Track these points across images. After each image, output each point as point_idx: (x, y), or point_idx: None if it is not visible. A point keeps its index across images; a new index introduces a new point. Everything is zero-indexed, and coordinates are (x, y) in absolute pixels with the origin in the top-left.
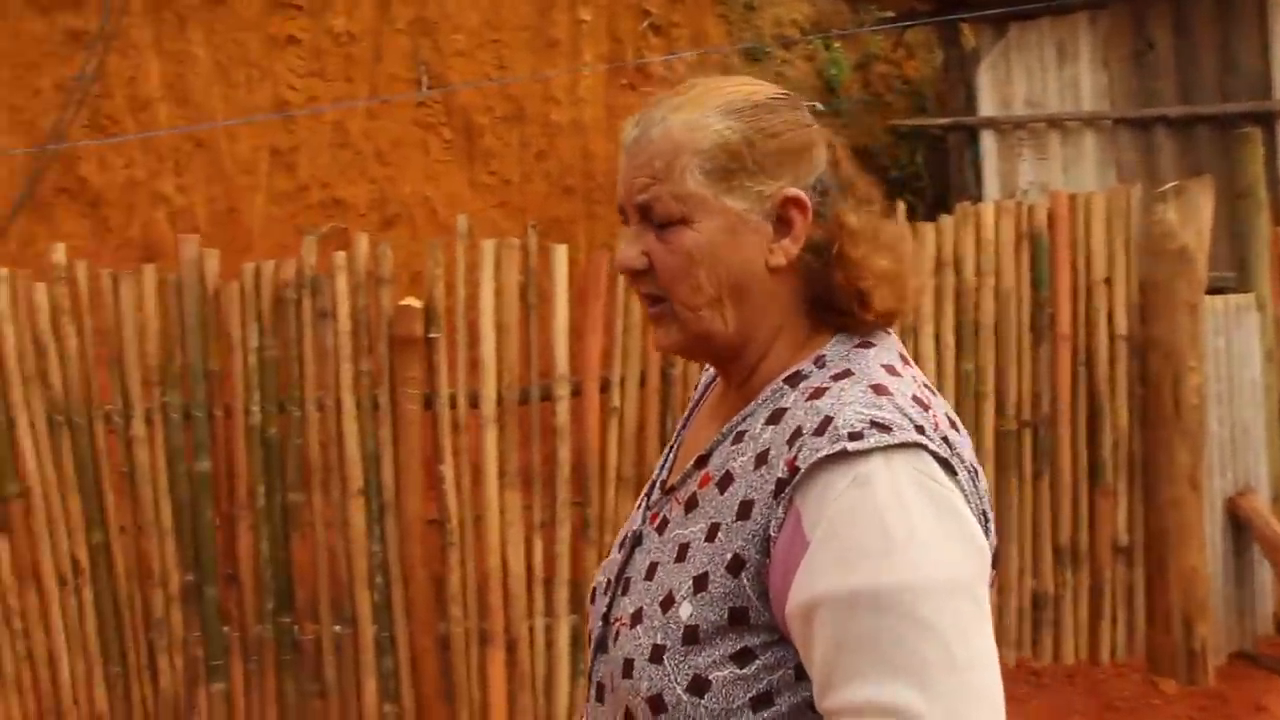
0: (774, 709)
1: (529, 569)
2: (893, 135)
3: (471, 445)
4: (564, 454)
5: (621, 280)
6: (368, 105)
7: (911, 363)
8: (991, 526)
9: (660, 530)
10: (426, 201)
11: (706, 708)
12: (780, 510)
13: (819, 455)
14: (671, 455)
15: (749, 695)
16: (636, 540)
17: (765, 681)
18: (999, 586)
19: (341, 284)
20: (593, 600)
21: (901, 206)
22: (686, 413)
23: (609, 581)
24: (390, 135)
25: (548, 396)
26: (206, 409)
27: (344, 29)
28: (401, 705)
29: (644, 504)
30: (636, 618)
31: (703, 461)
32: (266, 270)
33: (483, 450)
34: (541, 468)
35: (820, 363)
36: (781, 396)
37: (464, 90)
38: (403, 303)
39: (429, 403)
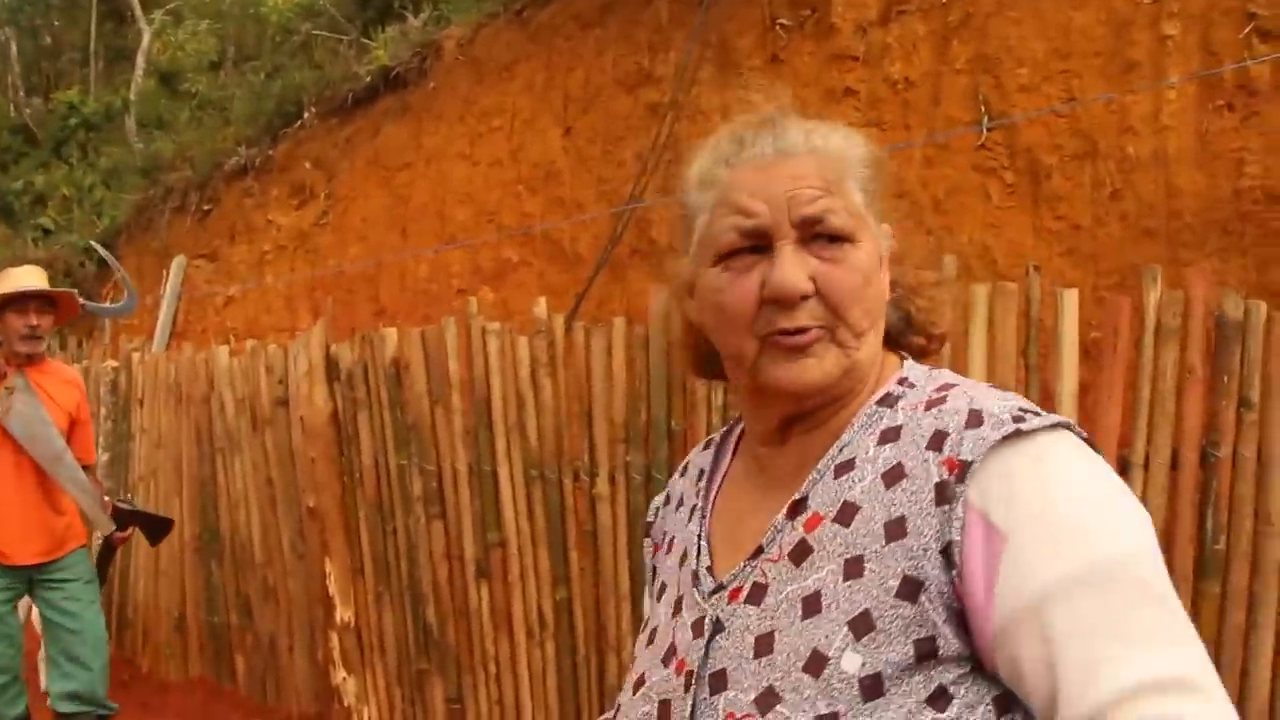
0: None
1: None
2: None
3: None
4: None
5: (1150, 338)
6: (924, 153)
7: None
8: None
9: (755, 599)
10: (986, 252)
11: None
12: (959, 510)
13: (990, 441)
14: (699, 543)
15: None
16: (716, 627)
17: None
18: None
19: None
20: None
21: None
22: (691, 504)
23: (663, 704)
24: (948, 182)
25: None
26: (667, 471)
27: (901, 75)
28: None
29: (692, 596)
30: (768, 701)
31: (799, 507)
32: None
33: None
34: None
35: (906, 383)
36: (880, 419)
37: (1029, 129)
38: None
39: None
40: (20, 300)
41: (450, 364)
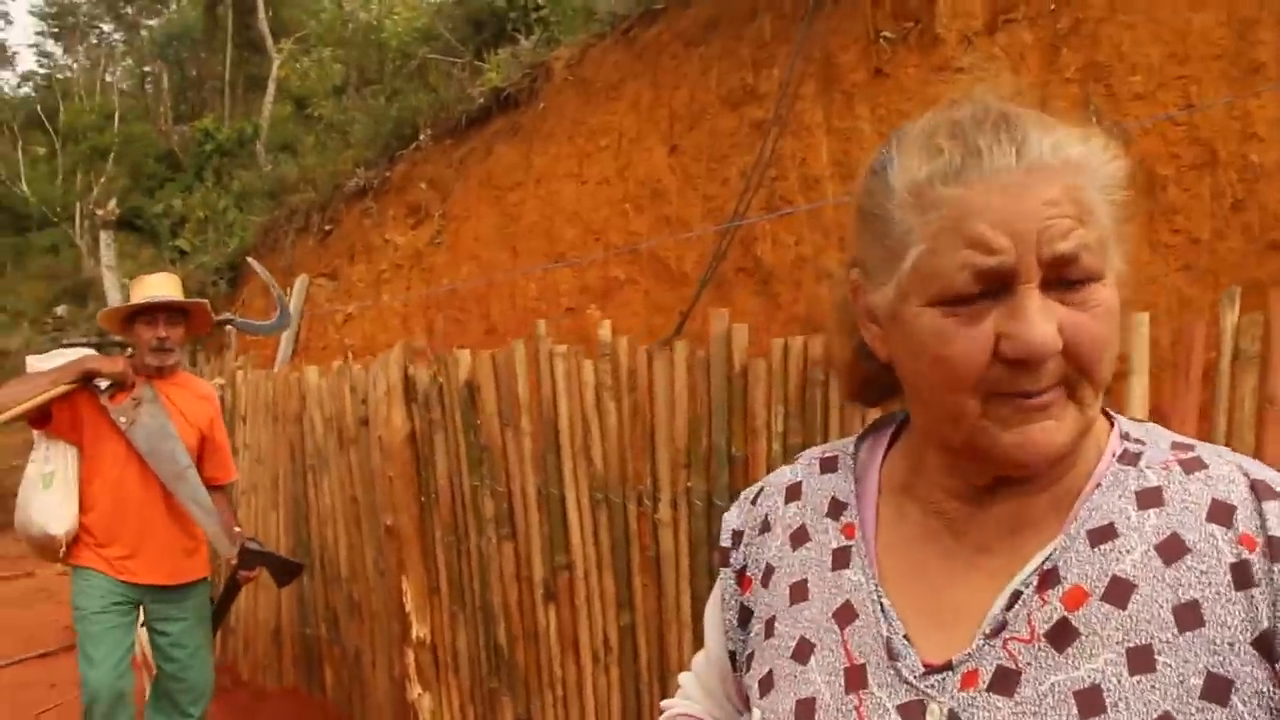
0: None
1: None
2: None
3: None
4: None
5: (1226, 364)
6: None
7: None
8: None
9: (1004, 689)
10: None
11: None
12: (1267, 594)
13: None
14: (881, 603)
15: None
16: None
17: None
18: None
19: None
20: None
21: None
22: (835, 543)
23: None
24: None
25: None
26: (728, 497)
27: (1009, 86)
28: None
29: (889, 675)
30: None
31: (1050, 578)
32: (795, 346)
33: None
34: None
35: (1131, 439)
36: (1127, 478)
37: (1144, 138)
38: None
39: None
40: (150, 311)
41: (519, 387)
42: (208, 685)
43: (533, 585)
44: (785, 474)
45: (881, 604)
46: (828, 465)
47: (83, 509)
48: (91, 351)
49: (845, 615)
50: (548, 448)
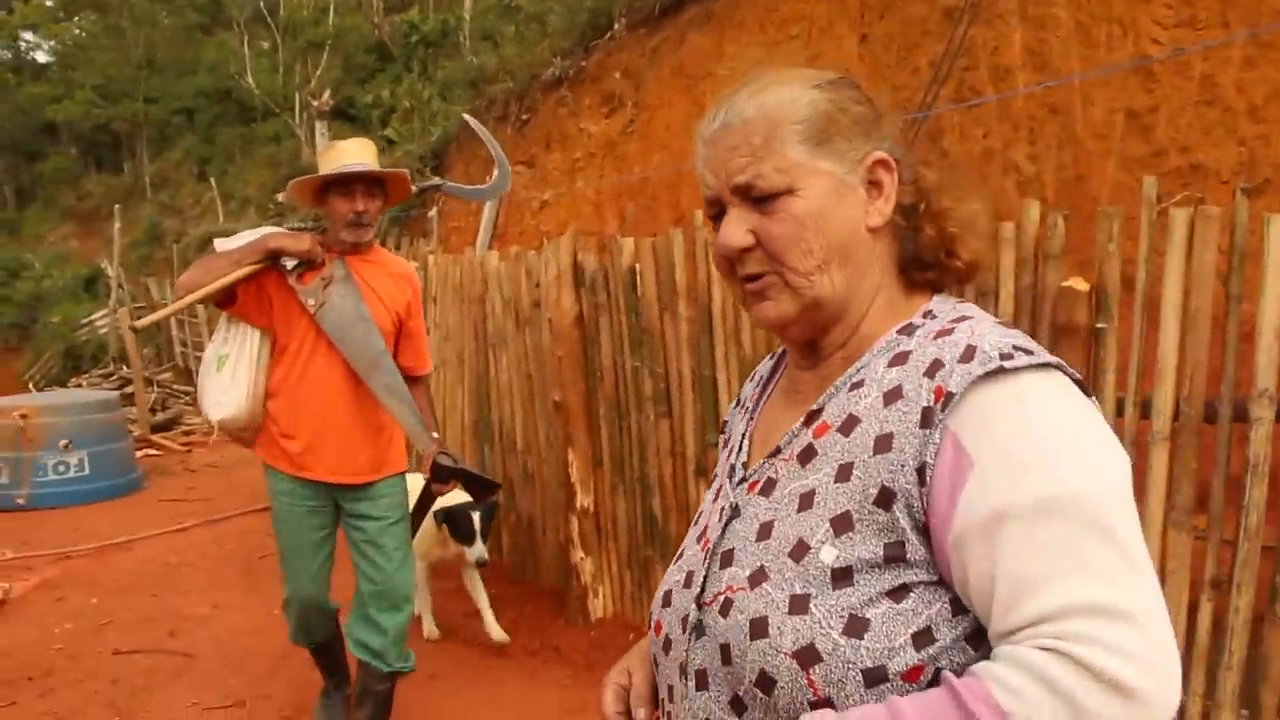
0: (936, 645)
1: (1190, 637)
2: None
3: (1137, 465)
4: (1255, 495)
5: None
6: (1244, 52)
7: None
8: None
9: (766, 492)
10: None
11: (867, 649)
12: (936, 436)
13: (974, 376)
14: (744, 442)
15: (910, 631)
16: (734, 512)
17: (924, 616)
18: None
19: (1006, 259)
20: (667, 603)
21: None
22: (747, 407)
23: (689, 574)
24: (1270, 86)
25: (1242, 416)
26: None
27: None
28: None
29: (725, 486)
30: (758, 578)
31: (814, 416)
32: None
33: (1147, 474)
34: (1224, 509)
35: (929, 315)
36: (898, 345)
37: None
38: (1065, 284)
39: None
40: (346, 182)
41: (677, 273)
42: (406, 593)
43: (686, 460)
44: (761, 364)
45: (742, 442)
46: (772, 356)
47: (268, 396)
48: (276, 229)
49: (729, 449)
50: (702, 331)
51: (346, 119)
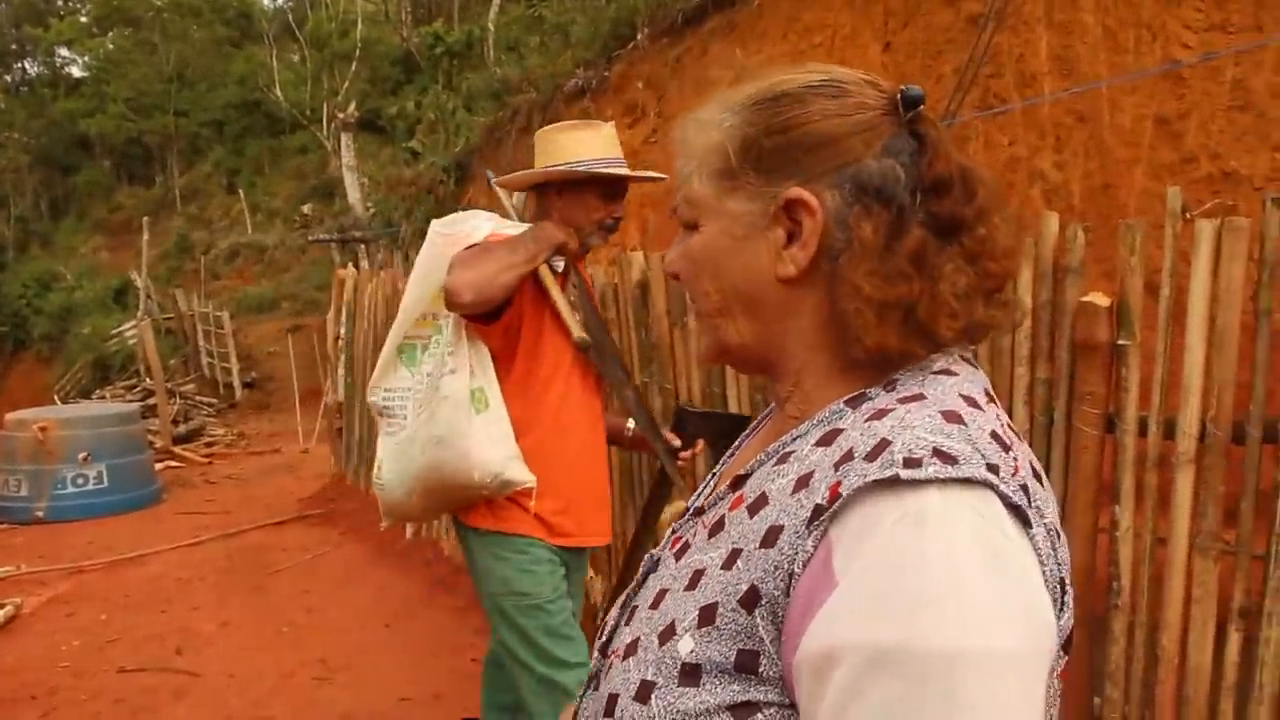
0: None
1: (1216, 667)
2: None
3: (1162, 486)
4: None
5: None
6: (1278, 57)
7: (998, 402)
8: (1069, 600)
9: (679, 555)
10: None
11: None
12: (810, 543)
13: (865, 480)
14: (713, 481)
15: None
16: (653, 565)
17: None
18: None
19: (1024, 274)
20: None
21: None
22: (739, 440)
23: (614, 620)
24: None
25: (1273, 438)
26: None
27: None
28: None
29: (677, 530)
30: (631, 649)
31: (739, 482)
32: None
33: (1173, 495)
34: (1252, 534)
35: (890, 386)
36: (840, 418)
37: None
38: (1085, 299)
39: (1110, 425)
40: (614, 181)
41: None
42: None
43: (696, 479)
44: None
45: (710, 481)
46: None
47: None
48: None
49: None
50: None
51: (373, 130)
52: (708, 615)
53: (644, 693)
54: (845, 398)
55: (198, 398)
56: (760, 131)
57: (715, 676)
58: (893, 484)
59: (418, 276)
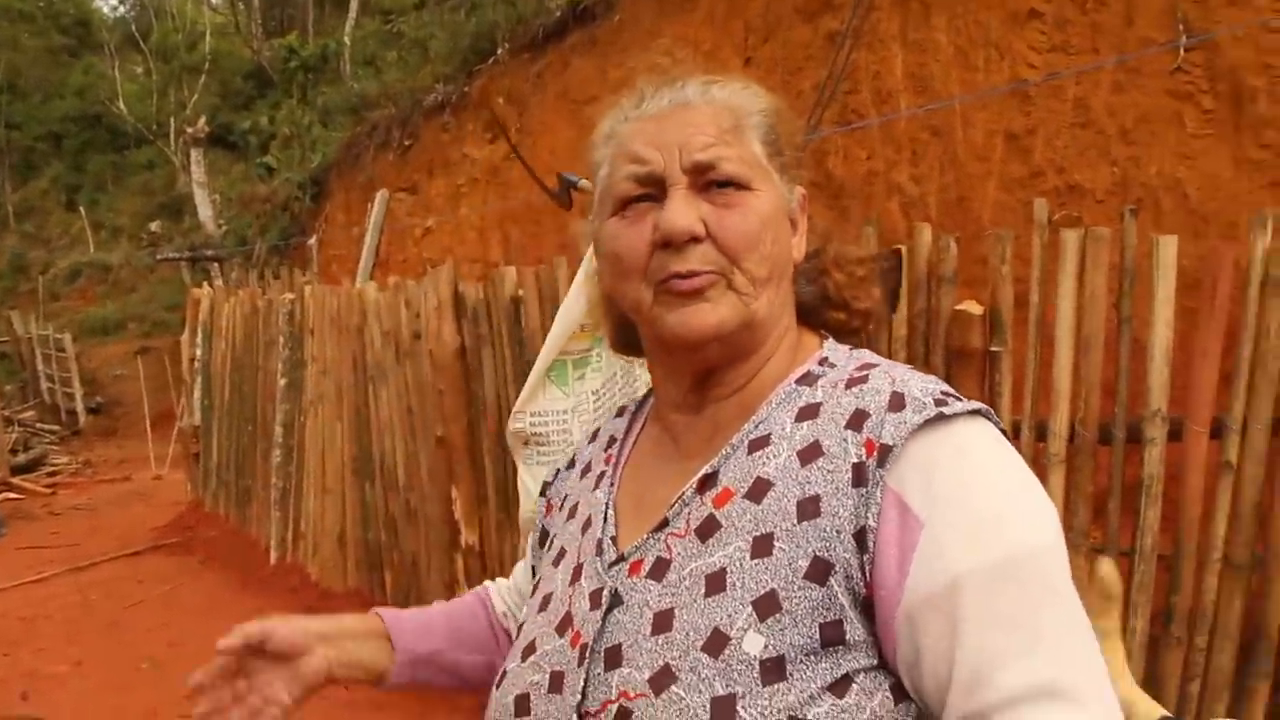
0: None
1: None
2: None
3: None
4: (1149, 517)
5: (1255, 292)
6: (1113, 77)
7: None
8: None
9: (657, 575)
10: (1176, 185)
11: None
12: (876, 495)
13: (912, 426)
14: (606, 511)
15: None
16: (613, 600)
17: (868, 711)
18: None
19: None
20: (522, 712)
21: None
22: (597, 470)
23: (554, 676)
24: (1138, 110)
25: (1136, 437)
26: None
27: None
28: None
29: (593, 566)
30: (663, 680)
31: (709, 481)
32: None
33: None
34: (1119, 531)
35: (826, 363)
36: (799, 396)
37: (1234, 47)
38: (959, 307)
39: None
40: None
41: (561, 301)
42: None
43: None
44: (604, 421)
45: (606, 513)
46: (621, 412)
47: None
48: None
49: (586, 525)
50: None
51: (224, 146)
52: (768, 605)
53: (725, 709)
54: (795, 377)
55: (38, 425)
56: (792, 127)
57: (801, 662)
58: (935, 423)
59: (574, 290)
